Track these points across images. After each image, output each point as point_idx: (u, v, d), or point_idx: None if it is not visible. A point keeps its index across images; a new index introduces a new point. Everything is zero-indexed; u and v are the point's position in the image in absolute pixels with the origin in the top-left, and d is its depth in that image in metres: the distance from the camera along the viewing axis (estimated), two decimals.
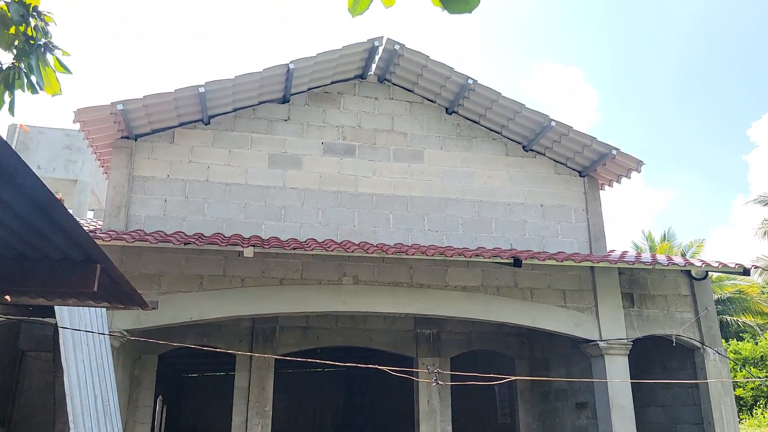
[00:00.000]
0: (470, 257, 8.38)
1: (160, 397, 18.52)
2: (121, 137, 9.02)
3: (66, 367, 5.14)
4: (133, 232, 8.08)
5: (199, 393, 22.85)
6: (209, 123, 9.50)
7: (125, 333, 7.92)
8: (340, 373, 23.89)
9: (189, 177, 9.19)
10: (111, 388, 6.00)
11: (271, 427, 10.46)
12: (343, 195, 9.67)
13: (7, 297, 4.43)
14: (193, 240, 7.84)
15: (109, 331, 6.98)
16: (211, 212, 9.14)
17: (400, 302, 8.97)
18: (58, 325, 5.23)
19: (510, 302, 9.25)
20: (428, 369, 8.10)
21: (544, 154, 10.59)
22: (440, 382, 6.75)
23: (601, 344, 9.12)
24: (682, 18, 66.72)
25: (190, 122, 9.43)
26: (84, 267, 3.41)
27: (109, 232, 7.81)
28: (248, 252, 7.79)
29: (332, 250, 8.04)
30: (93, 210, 19.04)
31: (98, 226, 9.38)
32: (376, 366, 5.52)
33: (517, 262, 8.41)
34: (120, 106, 8.34)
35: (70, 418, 4.97)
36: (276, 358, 10.91)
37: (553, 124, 9.91)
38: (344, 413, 23.73)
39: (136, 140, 9.14)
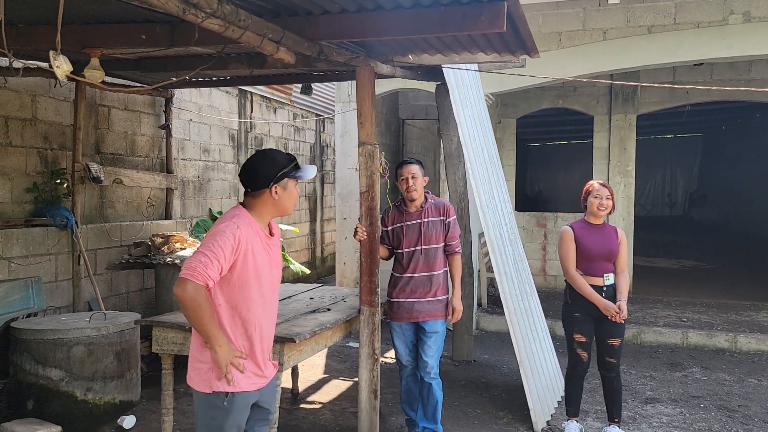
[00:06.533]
0: None
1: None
2: None
3: (459, 121, 5.58)
4: None
5: (541, 161, 23.57)
6: None
7: (491, 96, 8.25)
8: (695, 138, 21.82)
9: None
10: (492, 141, 6.44)
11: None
12: None
13: (410, 57, 4.82)
14: None
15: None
16: None
17: None
18: (447, 82, 5.62)
19: None
20: None
21: None
22: None
23: None
24: None
25: None
26: (491, 7, 3.35)
27: None
28: None
29: None
30: None
31: None
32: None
33: None
34: None
35: (467, 163, 5.51)
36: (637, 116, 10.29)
37: None
38: (698, 180, 22.09)
39: None
